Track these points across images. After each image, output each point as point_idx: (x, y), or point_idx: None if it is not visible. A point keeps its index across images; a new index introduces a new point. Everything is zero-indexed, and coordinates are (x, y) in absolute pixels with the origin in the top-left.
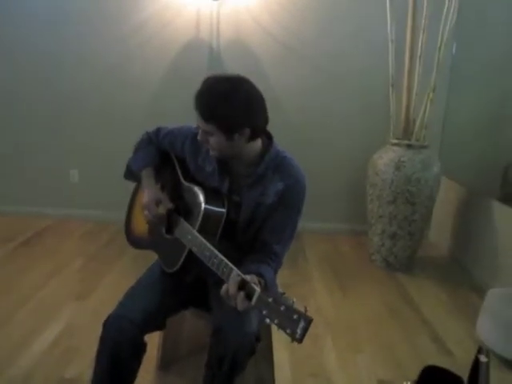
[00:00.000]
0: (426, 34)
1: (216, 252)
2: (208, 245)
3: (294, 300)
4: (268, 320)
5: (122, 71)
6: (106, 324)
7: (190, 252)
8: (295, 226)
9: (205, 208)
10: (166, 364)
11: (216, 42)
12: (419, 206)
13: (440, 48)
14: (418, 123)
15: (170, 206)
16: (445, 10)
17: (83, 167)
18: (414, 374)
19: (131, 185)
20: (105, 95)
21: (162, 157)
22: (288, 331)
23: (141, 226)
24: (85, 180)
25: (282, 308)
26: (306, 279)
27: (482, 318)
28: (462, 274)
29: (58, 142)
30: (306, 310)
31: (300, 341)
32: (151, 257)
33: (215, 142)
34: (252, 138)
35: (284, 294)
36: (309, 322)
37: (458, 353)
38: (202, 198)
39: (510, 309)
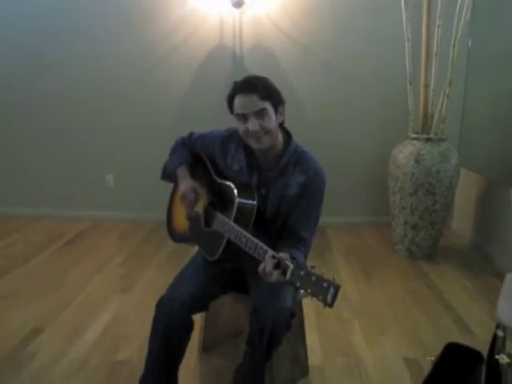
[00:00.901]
0: (440, 31)
1: (251, 237)
2: (244, 232)
3: (323, 271)
4: (302, 291)
5: (152, 78)
6: (158, 306)
7: (229, 241)
8: (319, 213)
9: (238, 201)
10: (207, 346)
11: (239, 48)
12: (439, 197)
13: (454, 45)
14: (435, 117)
15: (207, 198)
16: (458, 6)
17: (118, 172)
18: (437, 352)
19: (162, 187)
20: (135, 102)
21: (195, 158)
22: (320, 298)
23: (182, 223)
24: (120, 183)
25: (313, 278)
26: (332, 270)
27: (501, 300)
28: (484, 261)
29: (94, 148)
30: (334, 279)
31: (331, 305)
32: (184, 253)
33: (268, 121)
34: (283, 122)
35: (314, 267)
36: (337, 288)
37: (480, 333)
38: (235, 192)
39: None
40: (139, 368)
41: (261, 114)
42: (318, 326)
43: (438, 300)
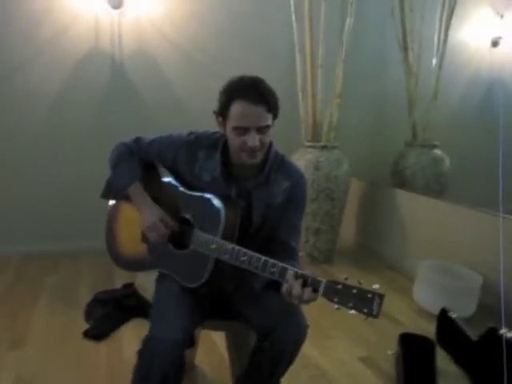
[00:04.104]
0: (324, 45)
1: (257, 254)
2: (244, 249)
3: (361, 281)
4: (338, 306)
5: (16, 81)
6: (146, 350)
7: (216, 262)
8: (302, 220)
9: (225, 214)
10: None
11: (118, 53)
12: (337, 201)
13: (344, 60)
14: (325, 126)
15: (172, 223)
16: (346, 24)
17: None
18: (383, 346)
19: (22, 212)
20: None
21: (148, 167)
22: (365, 310)
23: (134, 246)
24: None
25: (354, 291)
26: None
27: (418, 288)
28: (374, 257)
29: None
30: (374, 288)
31: (377, 316)
32: (68, 287)
33: (268, 136)
34: None
35: (346, 278)
36: (382, 297)
37: (406, 321)
38: (220, 204)
39: (444, 277)
40: None
41: (264, 129)
42: None
43: None
